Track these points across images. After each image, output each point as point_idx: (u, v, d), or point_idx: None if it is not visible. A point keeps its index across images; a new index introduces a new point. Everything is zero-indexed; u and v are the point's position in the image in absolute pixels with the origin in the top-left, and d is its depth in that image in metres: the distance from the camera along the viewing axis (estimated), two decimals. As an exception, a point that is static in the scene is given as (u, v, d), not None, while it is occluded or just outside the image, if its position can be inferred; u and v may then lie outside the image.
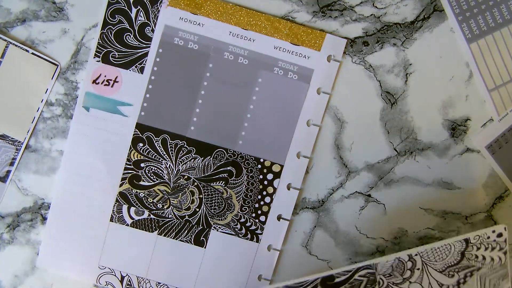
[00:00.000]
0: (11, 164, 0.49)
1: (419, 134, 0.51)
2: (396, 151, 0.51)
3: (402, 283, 0.43)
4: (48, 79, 0.49)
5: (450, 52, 0.50)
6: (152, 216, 0.50)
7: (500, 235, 0.44)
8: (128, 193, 0.50)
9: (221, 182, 0.50)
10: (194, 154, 0.50)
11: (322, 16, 0.49)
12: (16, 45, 0.48)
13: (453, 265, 0.44)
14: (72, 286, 0.51)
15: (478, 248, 0.44)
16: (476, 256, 0.44)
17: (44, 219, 0.50)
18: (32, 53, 0.48)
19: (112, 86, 0.49)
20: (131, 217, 0.50)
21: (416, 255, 0.43)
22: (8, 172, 0.50)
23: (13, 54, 0.48)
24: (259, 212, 0.51)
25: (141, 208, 0.50)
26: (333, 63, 0.50)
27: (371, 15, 0.50)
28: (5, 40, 0.48)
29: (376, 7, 0.50)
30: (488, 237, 0.44)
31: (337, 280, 0.43)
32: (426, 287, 0.44)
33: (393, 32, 0.50)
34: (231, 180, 0.50)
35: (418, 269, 0.43)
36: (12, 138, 0.49)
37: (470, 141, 0.52)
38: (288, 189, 0.51)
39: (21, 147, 0.49)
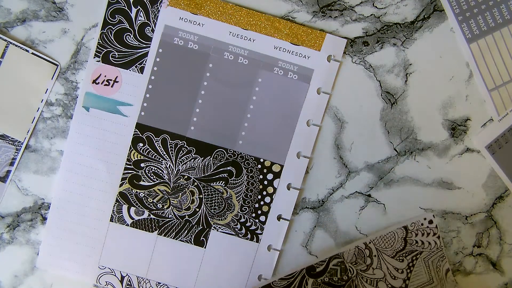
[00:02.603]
0: (11, 164, 0.49)
1: (419, 134, 0.51)
2: (396, 151, 0.51)
3: (367, 270, 0.50)
4: (48, 79, 0.49)
5: (450, 52, 0.50)
6: (152, 216, 0.50)
7: (430, 222, 0.51)
8: (128, 193, 0.50)
9: (221, 182, 0.50)
10: (194, 154, 0.50)
11: (322, 16, 0.49)
12: (16, 45, 0.48)
13: (400, 250, 0.51)
14: (72, 286, 0.51)
15: (416, 234, 0.51)
16: (416, 242, 0.51)
17: (44, 219, 0.50)
18: (32, 53, 0.48)
19: (112, 86, 0.49)
20: (131, 217, 0.50)
21: (370, 242, 0.50)
22: (8, 172, 0.50)
23: (13, 54, 0.48)
24: (259, 212, 0.51)
25: (141, 208, 0.50)
26: (333, 63, 0.50)
27: (371, 15, 0.50)
28: (5, 40, 0.48)
29: (376, 7, 0.50)
30: (422, 224, 0.51)
31: (317, 270, 0.50)
32: (386, 272, 0.50)
33: (393, 32, 0.50)
34: (231, 180, 0.50)
35: (375, 256, 0.50)
36: (12, 138, 0.49)
37: (470, 141, 0.52)
38: (288, 189, 0.51)
39: (21, 147, 0.49)
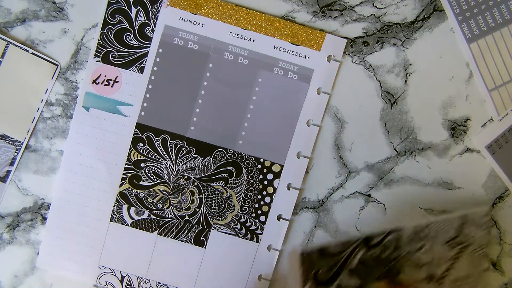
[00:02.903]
0: (11, 164, 0.49)
1: (419, 134, 0.51)
2: (396, 151, 0.51)
3: (417, 251, 0.49)
4: (48, 79, 0.49)
5: (450, 52, 0.50)
6: (152, 216, 0.50)
7: (486, 215, 0.50)
8: (128, 193, 0.50)
9: (221, 182, 0.50)
10: (194, 154, 0.50)
11: (322, 16, 0.49)
12: (16, 45, 0.48)
13: (452, 238, 0.49)
14: (72, 286, 0.51)
15: (471, 225, 0.49)
16: (468, 233, 0.49)
17: (44, 219, 0.50)
18: (32, 53, 0.48)
19: (112, 86, 0.49)
20: (131, 217, 0.50)
21: (429, 224, 0.49)
22: (8, 172, 0.50)
23: (13, 54, 0.48)
24: (259, 212, 0.51)
25: (141, 208, 0.50)
26: (333, 63, 0.50)
27: (371, 15, 0.50)
28: (5, 40, 0.48)
29: (376, 7, 0.50)
30: (478, 216, 0.50)
31: (374, 241, 0.48)
32: (433, 258, 0.49)
33: (393, 32, 0.50)
34: (231, 180, 0.50)
35: (431, 237, 0.49)
36: (12, 138, 0.49)
37: (470, 141, 0.52)
38: (288, 189, 0.51)
39: (21, 147, 0.49)
